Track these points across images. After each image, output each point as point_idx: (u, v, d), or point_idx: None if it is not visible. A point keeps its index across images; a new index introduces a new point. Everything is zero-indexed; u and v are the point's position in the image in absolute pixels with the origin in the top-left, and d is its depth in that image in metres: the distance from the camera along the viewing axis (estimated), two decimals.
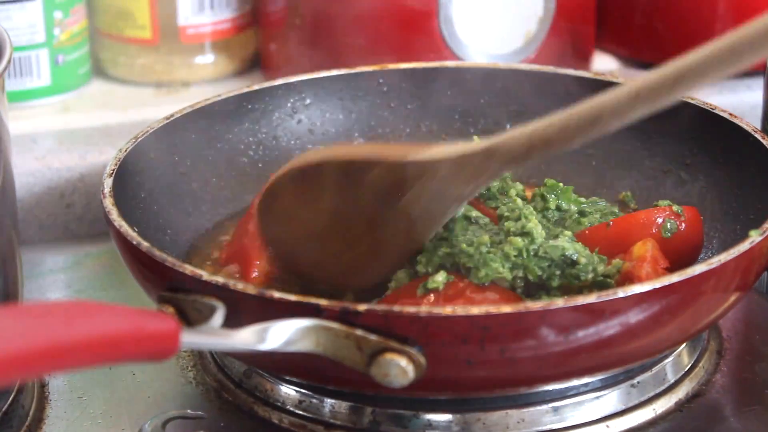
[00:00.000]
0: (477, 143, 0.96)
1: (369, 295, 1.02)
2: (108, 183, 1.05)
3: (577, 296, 0.88)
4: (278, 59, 1.47)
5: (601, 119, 0.89)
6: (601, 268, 1.01)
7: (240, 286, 0.90)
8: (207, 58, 1.51)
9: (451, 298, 0.97)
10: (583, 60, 1.50)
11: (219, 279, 0.90)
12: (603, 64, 1.55)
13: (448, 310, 0.87)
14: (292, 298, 0.89)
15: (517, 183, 1.11)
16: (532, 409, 0.97)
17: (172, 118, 1.17)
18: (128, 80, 1.51)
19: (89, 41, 1.50)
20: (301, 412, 0.99)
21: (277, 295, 0.89)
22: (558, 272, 1.00)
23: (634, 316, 0.90)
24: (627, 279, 1.01)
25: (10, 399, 1.02)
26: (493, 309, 0.87)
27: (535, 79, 1.26)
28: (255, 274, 1.08)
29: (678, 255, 1.05)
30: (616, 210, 1.11)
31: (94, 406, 1.03)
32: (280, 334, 0.87)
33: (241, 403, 1.02)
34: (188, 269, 0.92)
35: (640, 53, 1.54)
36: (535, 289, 1.00)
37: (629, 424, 0.99)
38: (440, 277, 0.98)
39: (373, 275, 1.03)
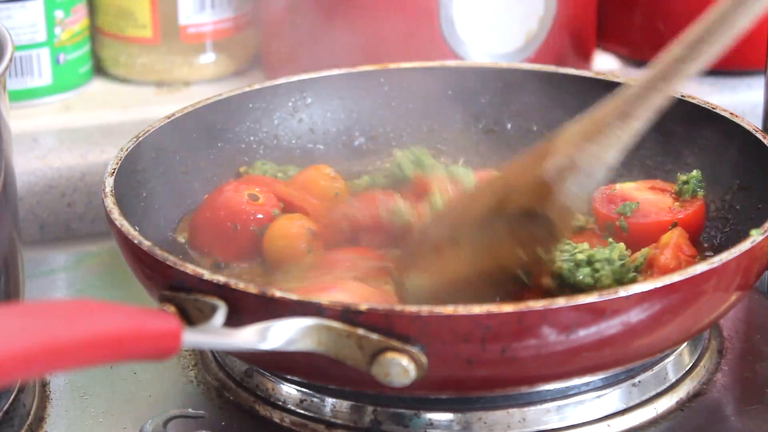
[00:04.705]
0: (605, 107, 0.94)
1: None
2: (109, 182, 1.05)
3: (579, 295, 0.88)
4: (279, 58, 1.47)
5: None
6: None
7: (241, 285, 0.90)
8: (208, 57, 1.51)
9: None
10: (584, 59, 1.50)
11: (220, 278, 0.90)
12: (604, 63, 1.55)
13: (449, 309, 0.87)
14: (294, 297, 0.89)
15: None
16: (533, 408, 0.97)
17: (173, 118, 1.17)
18: (129, 79, 1.52)
19: (90, 40, 1.50)
20: (302, 411, 0.99)
21: (278, 294, 0.89)
22: None
23: (635, 316, 0.90)
24: (649, 267, 1.03)
25: (12, 398, 1.02)
26: (494, 308, 0.87)
27: (536, 79, 1.26)
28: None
29: None
30: None
31: (95, 405, 1.04)
32: (281, 334, 0.87)
33: (243, 402, 1.02)
34: (189, 268, 0.92)
35: (641, 53, 1.54)
36: None
37: (630, 424, 0.99)
38: None
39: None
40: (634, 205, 1.11)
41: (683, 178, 1.13)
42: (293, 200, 1.15)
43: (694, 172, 1.13)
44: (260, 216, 1.12)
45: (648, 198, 1.13)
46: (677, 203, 1.12)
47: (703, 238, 1.12)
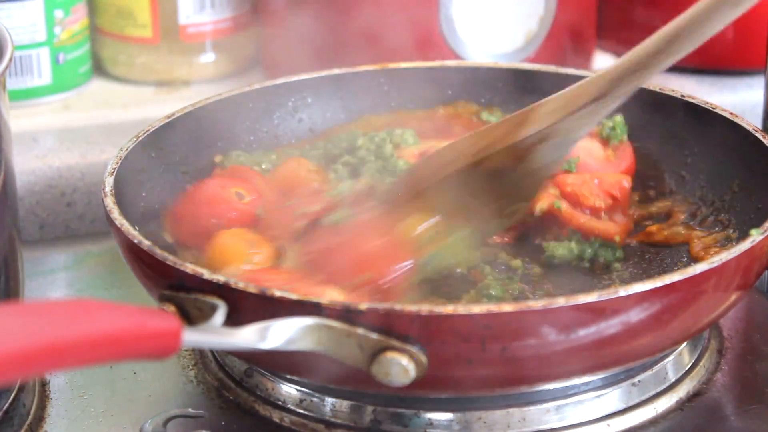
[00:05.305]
0: (583, 86, 1.01)
1: None
2: (109, 182, 1.05)
3: (578, 295, 0.88)
4: (279, 58, 1.47)
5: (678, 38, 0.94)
6: None
7: (241, 284, 0.90)
8: (208, 57, 1.51)
9: None
10: (584, 59, 1.50)
11: (220, 278, 0.90)
12: (604, 63, 1.55)
13: (449, 308, 0.87)
14: (294, 296, 0.89)
15: None
16: (533, 407, 0.97)
17: (173, 117, 1.17)
18: (129, 79, 1.52)
19: (90, 40, 1.50)
20: (302, 411, 0.99)
21: (278, 293, 0.89)
22: None
23: (634, 315, 0.90)
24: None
25: (12, 397, 1.02)
26: (494, 308, 0.87)
27: (536, 79, 1.26)
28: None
29: None
30: None
31: (95, 405, 1.04)
32: (281, 333, 0.87)
33: (242, 401, 1.02)
34: (189, 268, 0.92)
35: None
36: None
37: (630, 423, 0.99)
38: None
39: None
40: (575, 159, 1.15)
41: (609, 123, 1.18)
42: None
43: (618, 117, 1.18)
44: (236, 215, 1.12)
45: (584, 146, 1.16)
46: (610, 151, 1.17)
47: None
